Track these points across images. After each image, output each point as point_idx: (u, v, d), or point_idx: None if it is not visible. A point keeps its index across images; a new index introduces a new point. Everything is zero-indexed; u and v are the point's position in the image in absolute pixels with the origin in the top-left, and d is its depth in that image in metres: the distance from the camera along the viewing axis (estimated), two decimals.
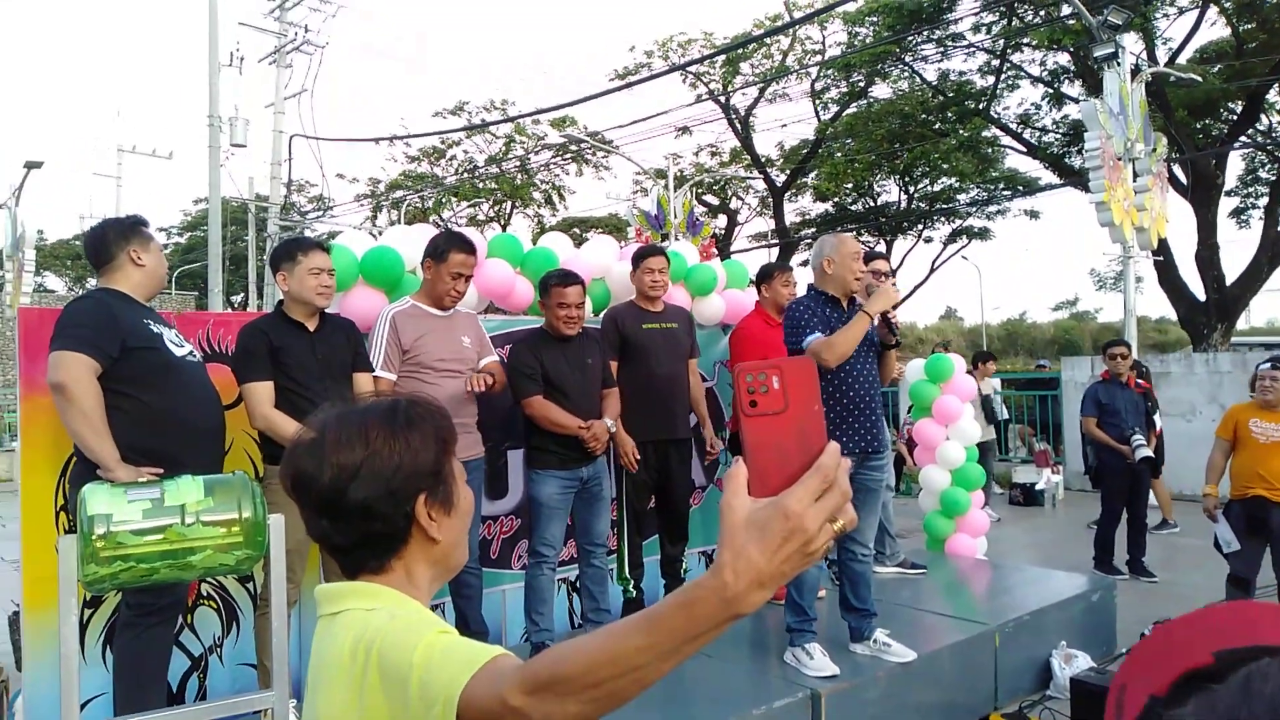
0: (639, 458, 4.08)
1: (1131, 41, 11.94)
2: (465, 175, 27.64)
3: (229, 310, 25.89)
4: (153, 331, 3.02)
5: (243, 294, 30.39)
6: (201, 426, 3.07)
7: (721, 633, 0.77)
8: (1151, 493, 8.25)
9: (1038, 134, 20.03)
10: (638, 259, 4.42)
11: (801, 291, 3.98)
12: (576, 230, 28.48)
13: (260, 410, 3.23)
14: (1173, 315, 18.88)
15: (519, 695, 0.84)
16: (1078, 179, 15.69)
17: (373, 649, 1.01)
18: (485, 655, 0.93)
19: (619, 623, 0.82)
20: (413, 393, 1.27)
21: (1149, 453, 6.22)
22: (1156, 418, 6.91)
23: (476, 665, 0.91)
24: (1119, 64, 10.17)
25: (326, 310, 3.50)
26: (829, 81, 22.02)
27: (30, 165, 17.01)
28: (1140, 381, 6.92)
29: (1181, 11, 16.42)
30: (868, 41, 19.57)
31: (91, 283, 3.20)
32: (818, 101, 22.47)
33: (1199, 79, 13.66)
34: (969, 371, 9.19)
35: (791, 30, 21.20)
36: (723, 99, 22.86)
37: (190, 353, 3.16)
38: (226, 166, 16.98)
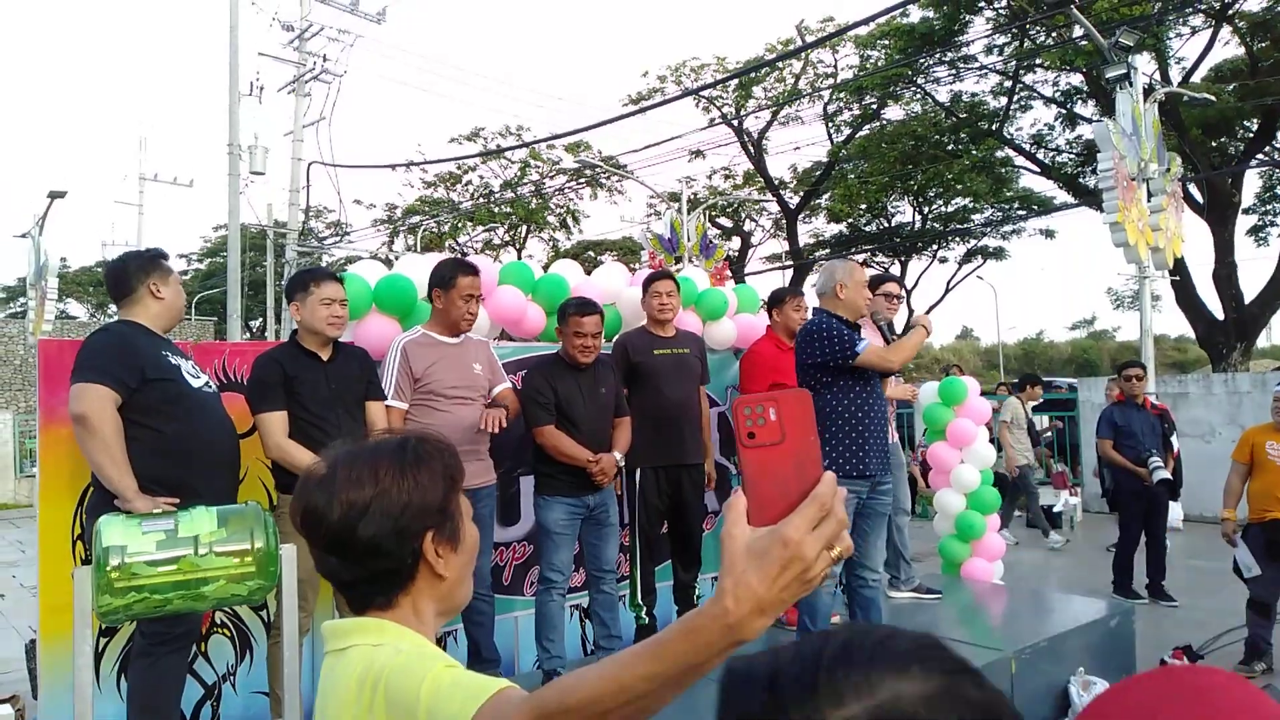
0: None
1: (1144, 62, 11.93)
2: (481, 200, 27.89)
3: (247, 335, 26.15)
4: (171, 363, 3.07)
5: (261, 319, 30.67)
6: (217, 456, 3.11)
7: (724, 660, 0.77)
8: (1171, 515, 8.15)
9: (1051, 154, 20.03)
10: (646, 284, 4.45)
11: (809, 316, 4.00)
12: (591, 254, 28.64)
13: (274, 440, 3.26)
14: (1193, 334, 18.75)
15: None
16: (1093, 199, 15.66)
17: (379, 684, 1.03)
18: (491, 688, 0.95)
19: (623, 652, 0.83)
20: (423, 429, 1.29)
21: (1167, 475, 6.16)
22: (1174, 439, 6.85)
23: (483, 698, 0.93)
24: (1131, 85, 10.18)
25: (340, 339, 3.54)
26: (841, 104, 22.13)
27: (54, 195, 17.28)
28: (1156, 403, 6.87)
29: (1195, 31, 16.44)
30: (879, 64, 19.67)
31: (114, 309, 3.27)
32: (830, 124, 22.58)
33: (1213, 99, 13.63)
34: (1016, 395, 9.10)
35: (804, 54, 21.34)
36: (735, 123, 23.00)
37: (206, 383, 3.21)
38: (246, 194, 17.21)
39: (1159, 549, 6.39)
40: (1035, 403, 9.52)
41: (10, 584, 8.20)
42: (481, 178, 28.17)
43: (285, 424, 3.30)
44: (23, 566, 8.97)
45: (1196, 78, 16.67)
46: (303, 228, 20.10)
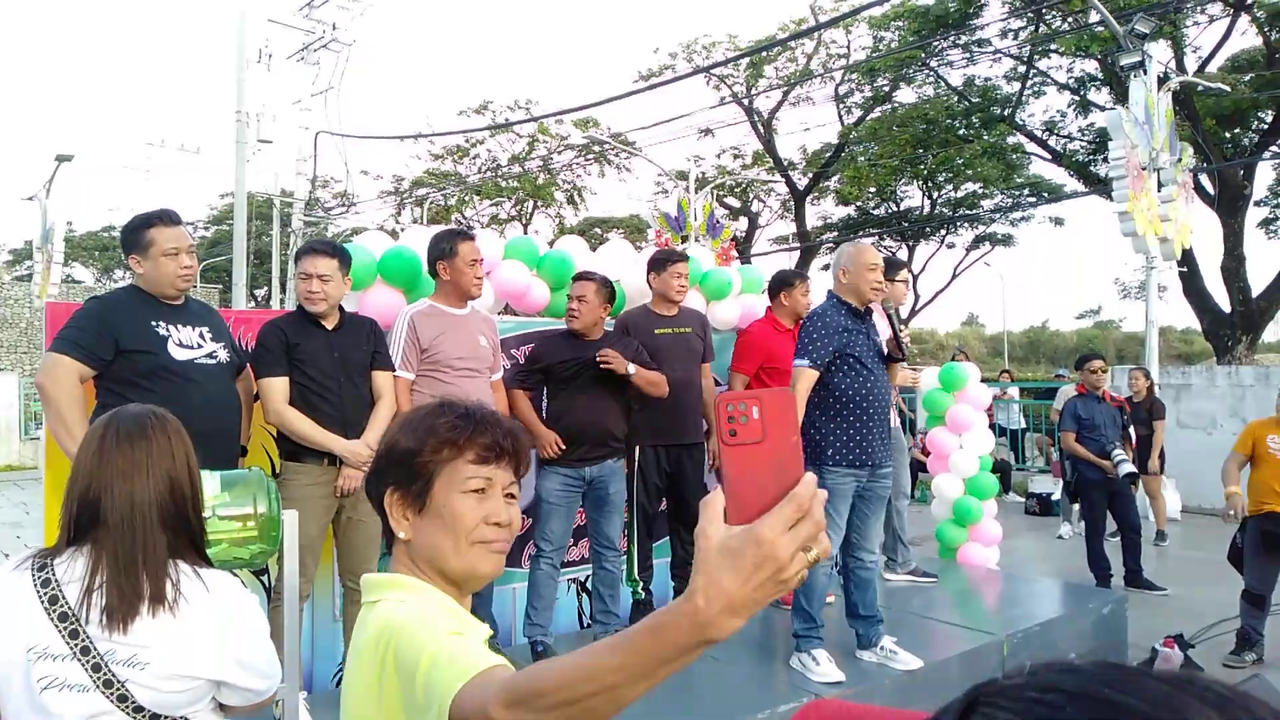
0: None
1: (1160, 50, 11.82)
2: (488, 174, 27.80)
3: (252, 304, 26.18)
4: (157, 334, 3.01)
5: (266, 288, 30.69)
6: (195, 430, 3.04)
7: (696, 657, 0.78)
8: (1150, 505, 8.12)
9: (1063, 141, 19.90)
10: (665, 262, 4.38)
11: (821, 297, 3.98)
12: (598, 230, 28.57)
13: (273, 406, 3.27)
14: (1199, 326, 18.69)
15: (499, 708, 0.88)
16: (1103, 187, 15.57)
17: (390, 644, 1.09)
18: (481, 664, 0.98)
19: (598, 643, 0.84)
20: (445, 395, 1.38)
21: (1132, 469, 6.14)
22: (1131, 430, 6.84)
23: (471, 674, 0.96)
24: (1145, 73, 10.09)
25: (346, 309, 3.55)
26: (853, 85, 21.98)
27: (61, 159, 17.27)
28: (1114, 395, 6.87)
29: (1212, 20, 16.27)
30: (893, 46, 19.51)
31: (119, 274, 3.29)
32: (841, 105, 22.43)
33: (1228, 89, 13.51)
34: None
35: (817, 34, 21.17)
36: (746, 102, 22.86)
37: (209, 354, 3.12)
38: (253, 162, 17.16)
39: (1132, 536, 6.33)
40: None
41: (15, 545, 8.28)
42: (489, 151, 28.09)
43: (286, 390, 3.30)
44: (28, 528, 9.05)
45: (1212, 67, 16.52)
46: (309, 197, 20.07)
